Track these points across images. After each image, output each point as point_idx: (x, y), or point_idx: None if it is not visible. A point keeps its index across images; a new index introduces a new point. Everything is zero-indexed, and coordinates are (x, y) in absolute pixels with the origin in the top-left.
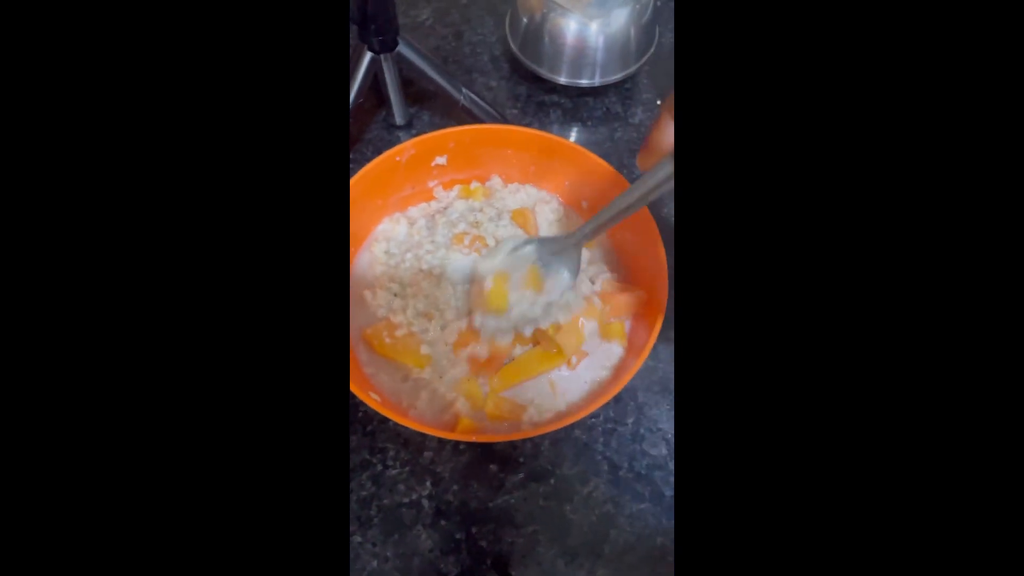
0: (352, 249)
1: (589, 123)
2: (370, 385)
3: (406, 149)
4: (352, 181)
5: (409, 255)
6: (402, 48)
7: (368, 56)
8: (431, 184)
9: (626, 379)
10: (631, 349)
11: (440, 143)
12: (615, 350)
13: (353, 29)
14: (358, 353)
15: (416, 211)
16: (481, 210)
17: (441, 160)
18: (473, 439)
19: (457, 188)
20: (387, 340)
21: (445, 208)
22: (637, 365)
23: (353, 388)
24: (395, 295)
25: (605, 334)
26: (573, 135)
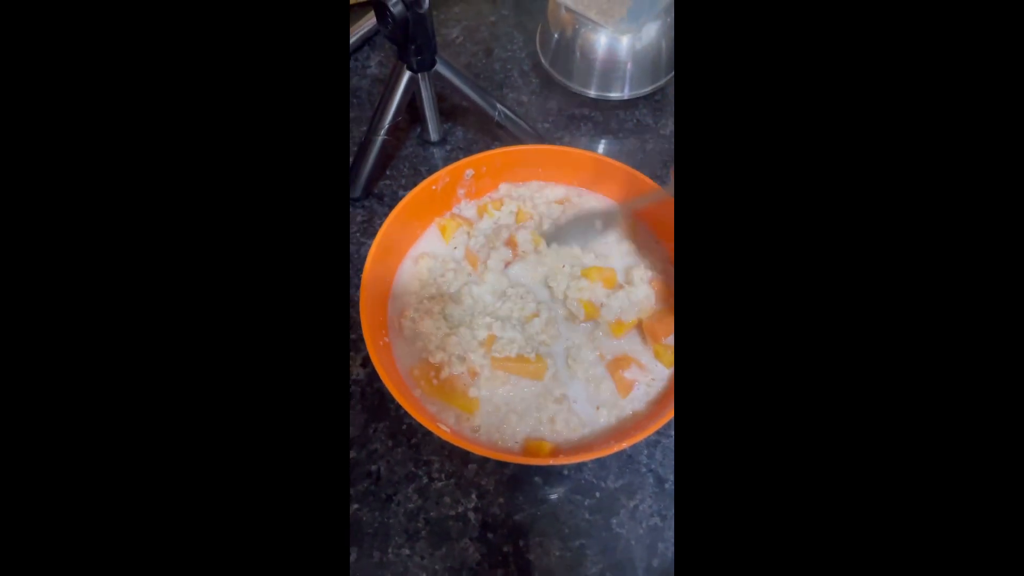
0: (392, 266)
1: (620, 135)
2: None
3: (440, 178)
4: (393, 214)
5: (448, 273)
6: (439, 66)
7: (407, 75)
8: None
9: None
10: None
11: (473, 167)
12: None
13: (393, 49)
14: (413, 390)
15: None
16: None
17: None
18: (551, 462)
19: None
20: (434, 382)
21: (497, 223)
22: None
23: (420, 419)
24: (444, 323)
25: (658, 356)
26: (602, 147)
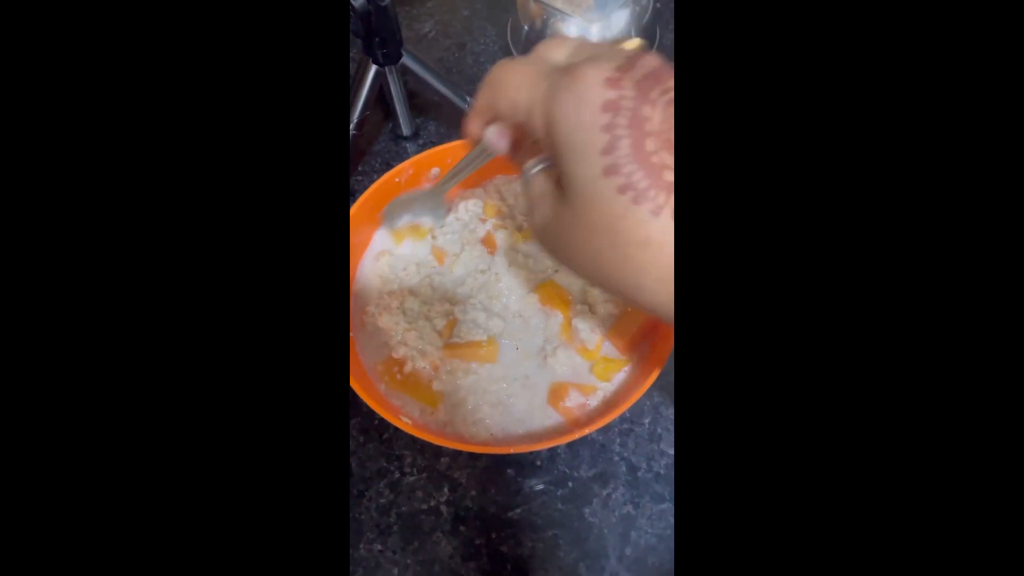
0: (352, 262)
1: None
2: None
3: (404, 170)
4: (355, 207)
5: (411, 267)
6: (406, 60)
7: (373, 69)
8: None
9: (643, 389)
10: (642, 362)
11: (438, 160)
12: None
13: (357, 43)
14: (377, 384)
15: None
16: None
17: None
18: (496, 451)
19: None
20: (398, 377)
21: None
22: (653, 376)
23: (381, 412)
24: (402, 318)
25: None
26: None
